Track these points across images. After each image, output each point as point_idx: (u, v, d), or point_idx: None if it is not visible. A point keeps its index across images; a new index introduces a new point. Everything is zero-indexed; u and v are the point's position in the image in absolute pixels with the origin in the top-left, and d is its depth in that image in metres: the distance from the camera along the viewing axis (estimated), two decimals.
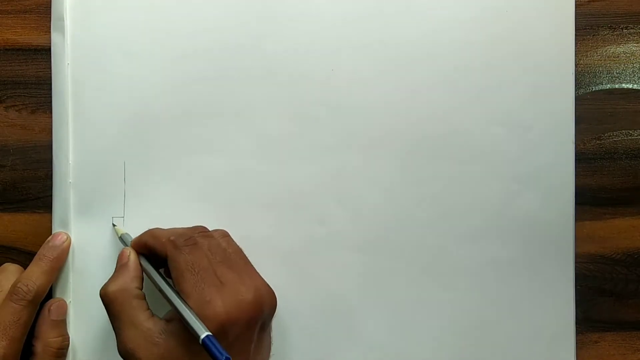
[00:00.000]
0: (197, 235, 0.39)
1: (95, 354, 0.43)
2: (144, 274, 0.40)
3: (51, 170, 0.44)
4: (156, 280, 0.38)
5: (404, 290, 0.44)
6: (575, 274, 0.45)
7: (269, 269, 0.44)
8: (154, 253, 0.39)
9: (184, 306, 0.35)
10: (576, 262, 0.45)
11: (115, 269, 0.40)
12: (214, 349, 0.33)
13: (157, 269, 0.39)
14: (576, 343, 0.45)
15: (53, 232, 0.43)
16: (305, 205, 0.44)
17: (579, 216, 0.45)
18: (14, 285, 0.40)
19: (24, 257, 0.44)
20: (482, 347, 0.45)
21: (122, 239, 0.42)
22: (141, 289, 0.39)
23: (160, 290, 0.38)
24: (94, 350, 0.43)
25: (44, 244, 0.42)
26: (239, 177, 0.44)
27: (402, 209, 0.44)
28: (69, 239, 0.43)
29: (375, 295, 0.44)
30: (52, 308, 0.41)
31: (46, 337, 0.41)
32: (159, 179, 0.44)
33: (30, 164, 0.44)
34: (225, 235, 0.41)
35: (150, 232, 0.40)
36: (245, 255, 0.40)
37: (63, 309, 0.42)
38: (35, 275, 0.41)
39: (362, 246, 0.44)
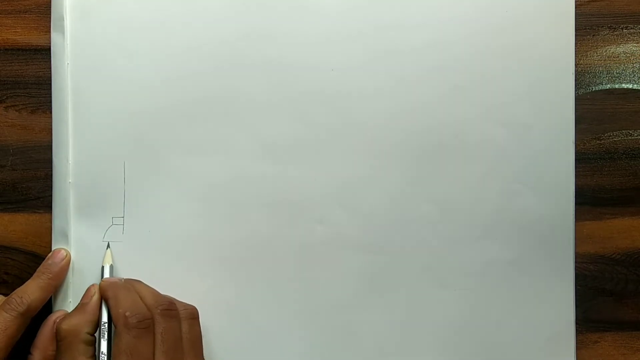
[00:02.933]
0: (158, 314, 0.38)
1: None
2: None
3: (51, 170, 0.44)
4: (102, 332, 0.39)
5: (404, 290, 0.44)
6: (575, 274, 0.45)
7: (269, 268, 0.44)
8: (109, 311, 0.40)
9: None
10: (576, 262, 0.45)
11: (78, 304, 0.41)
12: None
13: (110, 320, 0.40)
14: (576, 343, 0.45)
15: (53, 232, 0.43)
16: (305, 205, 0.44)
17: (579, 216, 0.45)
18: (9, 296, 0.40)
19: (23, 257, 0.44)
20: (482, 347, 0.45)
21: (102, 268, 0.42)
22: (92, 333, 0.39)
23: (98, 343, 0.39)
24: None
25: (44, 261, 0.42)
26: (239, 177, 0.44)
27: (402, 208, 0.44)
28: (68, 255, 0.43)
29: (375, 295, 0.44)
30: (57, 320, 0.41)
31: (47, 349, 0.40)
32: (159, 179, 0.44)
33: (30, 164, 0.44)
34: (192, 317, 0.40)
35: (115, 292, 0.40)
36: (201, 345, 0.40)
37: None
38: (31, 289, 0.41)
39: (362, 246, 0.44)
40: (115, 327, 0.38)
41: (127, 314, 0.38)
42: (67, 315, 0.40)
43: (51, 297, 0.43)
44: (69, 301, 0.43)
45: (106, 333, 0.40)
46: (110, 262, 0.43)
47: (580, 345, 0.45)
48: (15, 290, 0.41)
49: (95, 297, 0.40)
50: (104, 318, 0.40)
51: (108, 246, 0.43)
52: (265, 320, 0.44)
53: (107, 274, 0.42)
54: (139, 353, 0.37)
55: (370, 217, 0.44)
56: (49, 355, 0.41)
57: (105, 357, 0.39)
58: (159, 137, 0.44)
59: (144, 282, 0.42)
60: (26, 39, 0.44)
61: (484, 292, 0.44)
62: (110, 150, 0.43)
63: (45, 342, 0.41)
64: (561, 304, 0.45)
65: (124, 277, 0.42)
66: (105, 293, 0.40)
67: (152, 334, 0.38)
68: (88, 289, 0.41)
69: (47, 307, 0.42)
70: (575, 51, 0.45)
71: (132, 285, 0.41)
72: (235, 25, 0.44)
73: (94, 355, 0.38)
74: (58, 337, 0.38)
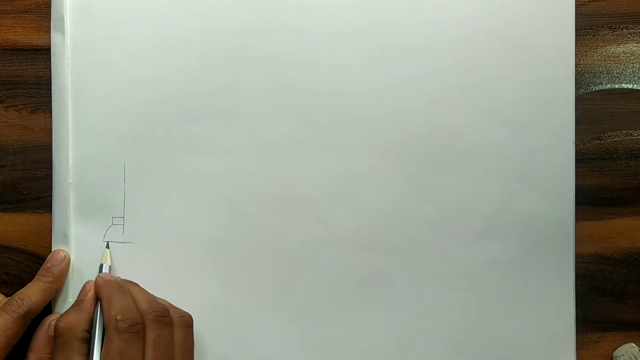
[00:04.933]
0: (151, 320, 0.38)
1: None
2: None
3: (51, 170, 0.44)
4: (95, 330, 0.39)
5: (404, 290, 0.44)
6: (575, 274, 0.45)
7: (269, 268, 0.44)
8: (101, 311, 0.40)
9: None
10: (576, 262, 0.45)
11: (75, 301, 0.41)
12: None
13: (102, 319, 0.40)
14: (576, 343, 0.45)
15: (53, 232, 0.43)
16: (305, 205, 0.44)
17: (579, 216, 0.45)
18: (11, 298, 0.40)
19: (23, 257, 0.44)
20: (482, 347, 0.45)
21: (101, 266, 0.42)
22: (89, 331, 0.39)
23: (90, 341, 0.39)
24: None
25: (44, 264, 0.42)
26: (239, 177, 0.44)
27: (402, 208, 0.44)
28: (67, 256, 0.43)
29: (375, 295, 0.44)
30: (52, 323, 0.41)
31: (42, 352, 0.40)
32: (159, 179, 0.44)
33: (30, 164, 0.44)
34: (186, 325, 0.40)
35: (109, 292, 0.40)
36: (192, 354, 0.40)
37: None
38: (32, 292, 0.41)
39: (362, 246, 0.44)
40: (106, 329, 0.38)
41: (119, 317, 0.38)
42: (64, 313, 0.40)
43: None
44: (69, 301, 0.43)
45: (98, 333, 0.39)
46: (109, 262, 0.43)
47: (580, 345, 0.45)
48: (16, 293, 0.41)
49: (90, 294, 0.40)
50: (97, 317, 0.40)
51: (107, 246, 0.43)
52: (265, 320, 0.44)
53: (104, 272, 0.42)
54: (129, 357, 0.37)
55: (371, 217, 0.44)
56: (45, 358, 0.41)
57: (96, 358, 0.39)
58: (159, 137, 0.44)
59: (140, 285, 0.42)
60: (26, 39, 0.44)
61: (484, 292, 0.45)
62: (110, 150, 0.43)
63: (41, 345, 0.41)
64: (561, 304, 0.45)
65: (121, 277, 0.42)
66: (100, 292, 0.40)
67: (142, 339, 0.38)
68: (84, 286, 0.41)
69: (47, 311, 0.42)
70: (575, 51, 0.45)
71: (127, 287, 0.41)
72: (235, 26, 0.44)
73: (87, 354, 0.39)
74: (55, 334, 0.39)
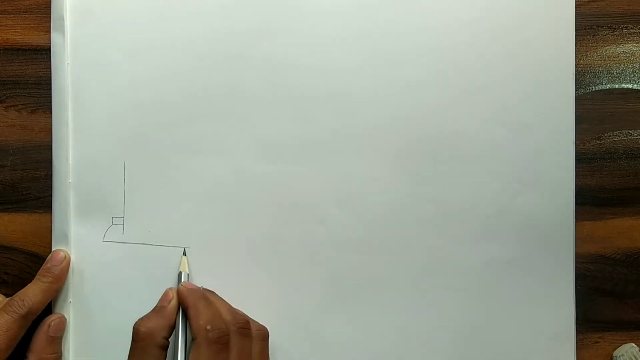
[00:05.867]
0: (234, 332, 0.39)
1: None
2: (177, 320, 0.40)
3: (51, 170, 0.44)
4: (179, 338, 0.40)
5: (404, 290, 0.44)
6: (575, 274, 0.45)
7: (269, 269, 0.44)
8: (187, 320, 0.40)
9: None
10: (576, 262, 0.45)
11: (157, 306, 0.41)
12: None
13: (186, 328, 0.40)
14: (576, 343, 0.45)
15: (53, 232, 0.43)
16: (305, 205, 0.44)
17: (579, 216, 0.45)
18: (11, 299, 0.40)
19: (23, 257, 0.44)
20: (482, 347, 0.45)
21: (180, 274, 0.42)
22: (168, 338, 0.39)
23: (174, 349, 0.39)
24: (92, 350, 0.43)
25: (44, 264, 0.42)
26: (239, 177, 0.44)
27: (402, 209, 0.44)
28: (67, 256, 0.43)
29: (375, 295, 0.44)
30: (52, 324, 0.41)
31: (41, 352, 0.41)
32: (159, 179, 0.44)
33: (30, 164, 0.44)
34: (264, 338, 0.41)
35: (195, 301, 0.40)
36: None
37: (62, 325, 0.42)
38: (32, 292, 0.41)
39: (361, 246, 0.44)
40: (194, 338, 0.38)
41: (209, 327, 0.38)
42: (145, 317, 0.40)
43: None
44: (69, 301, 0.43)
45: (182, 342, 0.40)
46: (187, 270, 0.43)
47: (580, 345, 0.45)
48: (17, 293, 0.41)
49: (174, 302, 0.40)
50: (181, 326, 0.40)
51: (184, 253, 0.43)
52: (264, 321, 0.44)
53: (184, 280, 0.42)
54: None
55: (371, 217, 0.44)
56: (46, 357, 0.41)
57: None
58: (159, 137, 0.44)
59: (219, 295, 0.42)
60: (26, 39, 0.44)
61: (484, 292, 0.44)
62: (110, 150, 0.43)
63: (41, 346, 0.41)
64: (561, 304, 0.45)
65: (203, 286, 0.42)
66: (185, 301, 0.40)
67: (228, 350, 0.38)
68: (166, 293, 0.41)
69: (47, 312, 0.42)
70: (575, 51, 0.45)
71: (208, 296, 0.41)
72: (235, 26, 0.44)
73: None
74: (135, 337, 0.38)
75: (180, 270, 0.43)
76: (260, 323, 0.42)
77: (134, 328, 0.39)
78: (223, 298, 0.42)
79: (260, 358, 0.40)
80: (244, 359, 0.39)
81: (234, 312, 0.41)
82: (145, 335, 0.38)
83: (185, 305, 0.40)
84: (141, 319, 0.39)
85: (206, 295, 0.41)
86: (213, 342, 0.38)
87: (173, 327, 0.40)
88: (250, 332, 0.40)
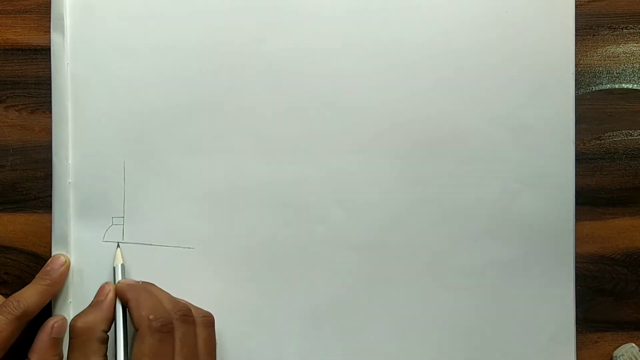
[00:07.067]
0: (176, 319, 0.39)
1: None
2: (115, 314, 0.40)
3: (51, 170, 0.44)
4: (118, 332, 0.40)
5: (404, 290, 0.44)
6: (575, 274, 0.45)
7: (269, 268, 0.44)
8: (129, 312, 0.39)
9: None
10: (576, 262, 0.45)
11: (92, 302, 0.41)
12: None
13: (125, 320, 0.40)
14: (576, 343, 0.45)
15: (53, 232, 0.43)
16: (305, 205, 0.44)
17: (579, 216, 0.45)
18: (7, 300, 0.40)
19: (23, 257, 0.44)
20: (482, 347, 0.45)
21: (114, 268, 0.42)
22: (107, 331, 0.39)
23: (115, 342, 0.39)
24: None
25: (44, 267, 0.42)
26: (239, 178, 0.44)
27: (403, 209, 0.44)
28: (67, 261, 0.43)
29: (374, 295, 0.44)
30: (55, 325, 0.41)
31: (44, 354, 0.40)
32: (159, 179, 0.44)
33: (30, 164, 0.44)
34: (209, 324, 0.41)
35: (136, 294, 0.40)
36: (215, 351, 0.41)
37: (64, 327, 0.42)
38: (28, 293, 0.41)
39: (362, 246, 0.44)
40: (137, 329, 0.38)
41: (151, 317, 0.38)
42: (82, 313, 0.40)
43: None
44: (69, 301, 0.43)
45: (121, 333, 0.40)
46: (121, 262, 0.43)
47: (580, 345, 0.45)
48: (13, 294, 0.41)
49: (111, 295, 0.40)
50: (120, 318, 0.40)
51: (118, 246, 0.43)
52: (263, 320, 0.44)
53: (119, 274, 0.42)
54: (161, 356, 0.37)
55: (371, 217, 0.44)
56: (49, 359, 0.40)
57: (122, 358, 0.39)
58: (159, 137, 0.44)
59: (158, 286, 0.42)
60: (26, 39, 0.44)
61: (484, 292, 0.45)
62: (110, 150, 0.43)
63: (43, 347, 0.40)
64: (561, 304, 0.45)
65: (141, 280, 0.43)
66: (125, 295, 0.40)
67: (172, 338, 0.38)
68: (102, 287, 0.41)
69: (47, 311, 0.42)
70: (575, 51, 0.45)
71: (148, 288, 0.41)
72: (235, 26, 0.44)
73: (106, 354, 0.39)
74: (72, 334, 0.39)
75: (114, 264, 0.42)
76: (207, 310, 0.42)
77: (70, 324, 0.39)
78: (162, 288, 0.42)
79: (207, 344, 0.40)
80: (188, 345, 0.39)
81: (175, 300, 0.41)
82: (82, 331, 0.38)
83: (126, 299, 0.40)
84: (78, 315, 0.40)
85: (147, 288, 0.41)
86: (156, 331, 0.38)
87: (112, 321, 0.40)
88: (193, 318, 0.40)
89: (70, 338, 0.39)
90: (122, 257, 0.43)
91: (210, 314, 0.42)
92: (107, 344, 0.39)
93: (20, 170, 0.44)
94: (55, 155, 0.44)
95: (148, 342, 0.37)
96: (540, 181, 0.45)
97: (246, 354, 0.44)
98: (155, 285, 0.42)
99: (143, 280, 0.42)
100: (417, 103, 0.44)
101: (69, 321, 0.43)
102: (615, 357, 0.45)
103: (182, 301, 0.42)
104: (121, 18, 0.44)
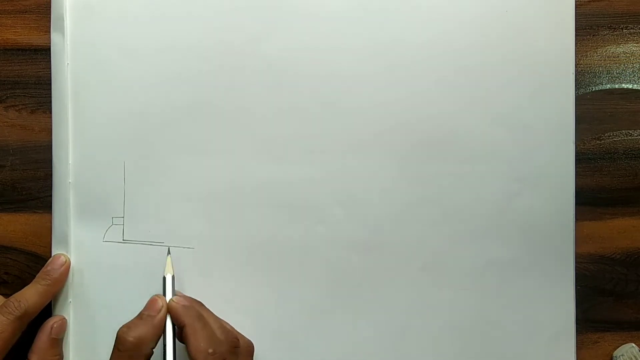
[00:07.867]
0: (227, 354, 0.39)
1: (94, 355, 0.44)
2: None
3: (51, 170, 0.44)
4: (168, 353, 0.39)
5: (404, 290, 0.44)
6: (575, 274, 0.45)
7: (268, 268, 0.44)
8: (184, 338, 0.39)
9: None
10: (576, 262, 0.45)
11: (143, 313, 0.39)
12: None
13: (174, 344, 0.39)
14: (576, 343, 0.45)
15: (53, 232, 0.43)
16: (305, 205, 0.44)
17: (579, 216, 0.45)
18: (7, 300, 0.40)
19: (23, 257, 0.44)
20: (482, 347, 0.45)
21: (164, 279, 0.41)
22: (153, 348, 0.39)
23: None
24: (92, 350, 0.43)
25: (44, 267, 0.42)
26: (239, 178, 0.44)
27: (403, 209, 0.44)
28: (68, 261, 0.43)
29: (374, 294, 0.44)
30: (54, 325, 0.41)
31: (44, 354, 0.40)
32: (159, 179, 0.44)
33: (30, 164, 0.44)
34: (250, 354, 0.42)
35: (192, 320, 0.39)
36: None
37: (64, 327, 0.42)
38: (29, 294, 0.41)
39: (362, 246, 0.44)
40: (193, 359, 0.38)
41: (210, 350, 0.38)
42: (131, 325, 0.38)
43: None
44: (69, 301, 0.43)
45: (171, 356, 0.39)
46: (172, 272, 0.41)
47: (580, 345, 0.45)
48: (13, 294, 0.41)
49: (163, 313, 0.39)
50: (169, 339, 0.39)
51: (168, 252, 0.42)
52: (263, 320, 0.44)
53: (169, 285, 0.41)
54: None
55: (371, 217, 0.44)
56: (49, 359, 0.40)
57: None
58: (159, 137, 0.44)
59: (208, 309, 0.41)
60: (26, 39, 0.44)
61: (484, 292, 0.45)
62: (110, 150, 0.44)
63: (43, 347, 0.40)
64: (561, 304, 0.45)
65: (190, 297, 0.42)
66: (180, 318, 0.39)
67: None
68: (154, 300, 0.40)
69: (47, 311, 0.42)
70: (575, 51, 0.45)
71: (202, 314, 0.40)
72: (235, 26, 0.44)
73: None
74: (121, 346, 0.37)
75: (165, 274, 0.41)
76: (247, 337, 0.42)
77: (119, 335, 0.38)
78: (212, 312, 0.42)
79: None
80: None
81: (225, 330, 0.41)
82: (133, 345, 0.37)
83: (181, 324, 0.39)
84: (127, 327, 0.38)
85: (201, 314, 0.40)
86: None
87: (159, 337, 0.39)
88: (239, 350, 0.40)
89: (117, 350, 0.38)
90: (173, 266, 0.41)
91: (252, 343, 0.42)
92: None
93: (20, 170, 0.44)
94: (55, 155, 0.44)
95: None
96: (540, 181, 0.45)
97: None
98: (205, 307, 0.41)
99: (194, 298, 0.41)
100: (417, 103, 0.44)
101: (68, 321, 0.43)
102: (615, 357, 0.45)
103: (230, 329, 0.42)
104: (121, 18, 0.44)
